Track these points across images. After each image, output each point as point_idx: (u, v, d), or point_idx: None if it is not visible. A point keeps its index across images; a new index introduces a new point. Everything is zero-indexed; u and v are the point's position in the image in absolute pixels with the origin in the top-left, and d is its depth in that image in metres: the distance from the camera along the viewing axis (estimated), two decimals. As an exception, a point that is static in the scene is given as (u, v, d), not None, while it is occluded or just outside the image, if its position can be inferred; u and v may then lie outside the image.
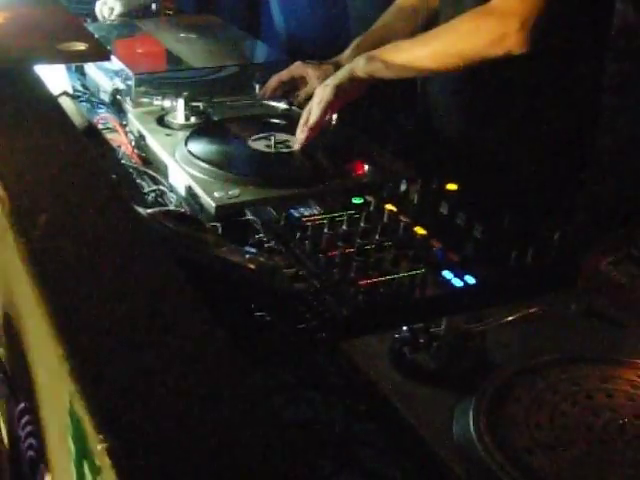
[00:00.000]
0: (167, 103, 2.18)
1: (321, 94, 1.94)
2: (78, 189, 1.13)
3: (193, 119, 2.11)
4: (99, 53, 1.86)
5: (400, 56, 1.90)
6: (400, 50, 1.91)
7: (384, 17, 2.26)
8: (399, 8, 2.26)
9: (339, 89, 1.93)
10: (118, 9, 2.92)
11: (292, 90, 2.23)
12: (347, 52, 2.20)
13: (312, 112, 1.94)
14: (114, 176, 1.49)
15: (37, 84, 1.59)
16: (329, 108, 1.94)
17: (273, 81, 2.25)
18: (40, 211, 1.05)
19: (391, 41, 1.96)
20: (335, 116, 2.02)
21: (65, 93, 2.03)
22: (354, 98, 1.97)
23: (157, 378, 0.75)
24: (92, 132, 1.91)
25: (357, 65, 1.93)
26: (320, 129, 1.95)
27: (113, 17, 2.93)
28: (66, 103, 1.96)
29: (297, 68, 2.22)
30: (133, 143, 2.08)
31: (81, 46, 1.81)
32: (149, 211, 1.39)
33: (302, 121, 1.96)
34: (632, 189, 2.25)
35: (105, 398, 0.72)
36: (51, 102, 1.55)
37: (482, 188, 1.82)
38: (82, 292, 0.90)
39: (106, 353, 0.79)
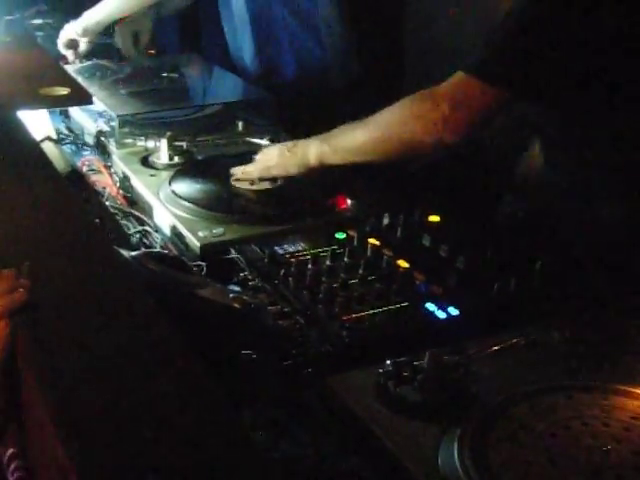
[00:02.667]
0: (151, 143, 2.20)
1: (265, 162, 1.95)
2: (61, 236, 1.15)
3: (177, 159, 2.13)
4: (81, 97, 1.89)
5: (345, 141, 1.86)
6: (345, 134, 1.86)
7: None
8: None
9: (285, 169, 1.93)
10: (83, 47, 2.91)
11: None
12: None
13: (253, 166, 1.97)
14: (97, 220, 1.50)
15: (20, 130, 1.61)
16: (268, 175, 1.95)
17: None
18: (24, 259, 1.06)
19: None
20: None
21: (48, 138, 2.04)
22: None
23: (141, 424, 0.76)
24: (76, 176, 1.93)
25: (309, 152, 1.89)
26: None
27: (79, 55, 2.92)
28: (49, 148, 1.97)
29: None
30: (118, 184, 2.09)
31: (63, 91, 1.84)
32: (133, 253, 1.40)
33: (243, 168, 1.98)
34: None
35: (87, 447, 0.73)
36: (34, 148, 1.57)
37: (465, 218, 1.83)
38: (66, 341, 0.91)
39: (90, 399, 0.80)
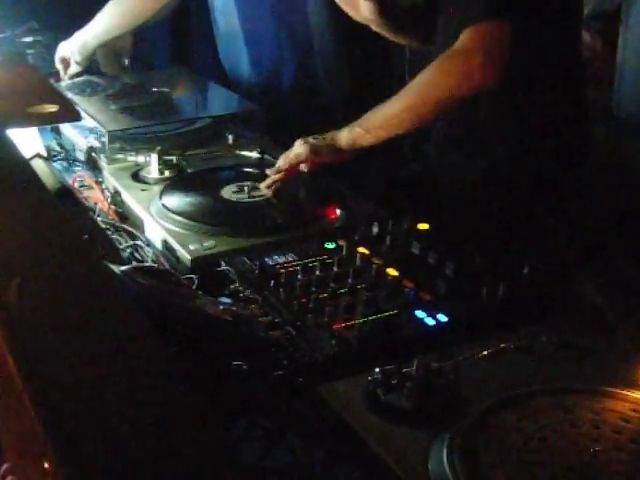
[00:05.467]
0: (141, 158, 2.21)
1: (296, 149, 1.99)
2: (50, 252, 1.16)
3: (167, 173, 2.14)
4: (70, 114, 1.90)
5: (377, 118, 1.92)
6: (376, 113, 1.93)
7: None
8: None
9: (316, 153, 1.97)
10: (72, 67, 2.92)
11: None
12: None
13: (279, 160, 2.00)
14: (86, 236, 1.51)
15: (9, 148, 1.62)
16: (298, 162, 1.98)
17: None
18: (13, 275, 1.07)
19: None
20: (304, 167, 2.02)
21: (38, 155, 2.05)
22: (333, 163, 2.00)
23: (127, 439, 0.77)
24: (66, 193, 1.94)
25: (340, 137, 1.95)
26: (283, 177, 2.00)
27: (69, 75, 2.93)
28: (39, 165, 1.98)
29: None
30: (109, 200, 2.10)
31: (52, 108, 1.84)
32: (122, 268, 1.41)
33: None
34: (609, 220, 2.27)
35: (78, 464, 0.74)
36: (24, 165, 1.58)
37: (452, 226, 1.85)
38: (56, 357, 0.92)
39: (80, 418, 0.81)
